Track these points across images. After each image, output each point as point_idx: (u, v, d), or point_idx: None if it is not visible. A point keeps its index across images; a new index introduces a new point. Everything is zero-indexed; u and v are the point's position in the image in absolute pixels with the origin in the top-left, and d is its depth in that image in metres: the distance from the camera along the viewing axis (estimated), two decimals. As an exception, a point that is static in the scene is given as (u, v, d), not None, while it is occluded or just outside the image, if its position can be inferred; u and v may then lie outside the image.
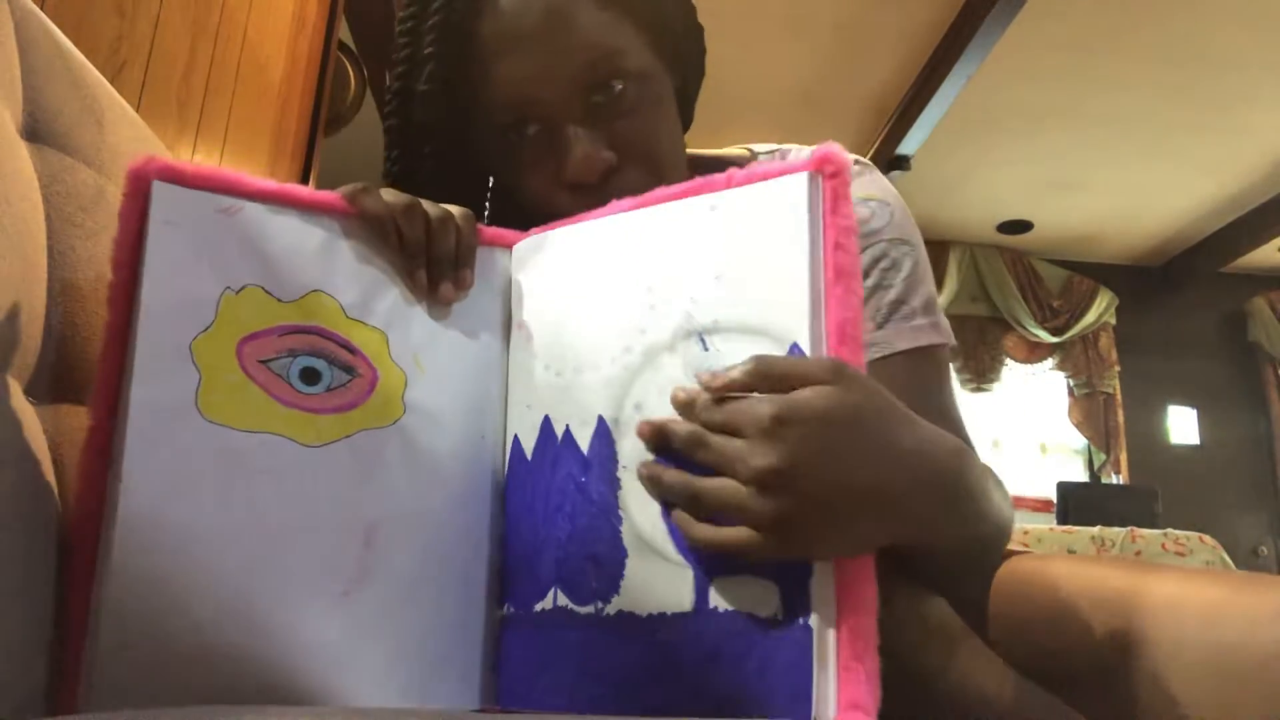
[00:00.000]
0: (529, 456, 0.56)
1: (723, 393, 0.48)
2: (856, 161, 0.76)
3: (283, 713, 0.42)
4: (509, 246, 0.63)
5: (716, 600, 0.46)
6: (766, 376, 0.47)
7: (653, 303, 0.54)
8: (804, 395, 0.45)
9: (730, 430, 0.47)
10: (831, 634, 0.43)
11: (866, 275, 0.70)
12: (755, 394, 0.47)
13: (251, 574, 0.49)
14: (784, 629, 0.44)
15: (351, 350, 0.55)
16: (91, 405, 0.50)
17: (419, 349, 0.57)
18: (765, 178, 0.52)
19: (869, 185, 0.74)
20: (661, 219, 0.56)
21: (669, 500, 0.49)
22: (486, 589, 0.55)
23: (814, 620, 0.43)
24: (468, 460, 0.57)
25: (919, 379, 0.69)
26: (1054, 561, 0.68)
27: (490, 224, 0.69)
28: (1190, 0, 2.94)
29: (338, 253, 0.57)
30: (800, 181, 0.51)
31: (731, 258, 0.52)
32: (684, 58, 0.73)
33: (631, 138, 0.67)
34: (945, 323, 0.73)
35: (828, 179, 0.51)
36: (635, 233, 0.57)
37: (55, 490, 0.50)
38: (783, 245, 0.50)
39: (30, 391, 0.50)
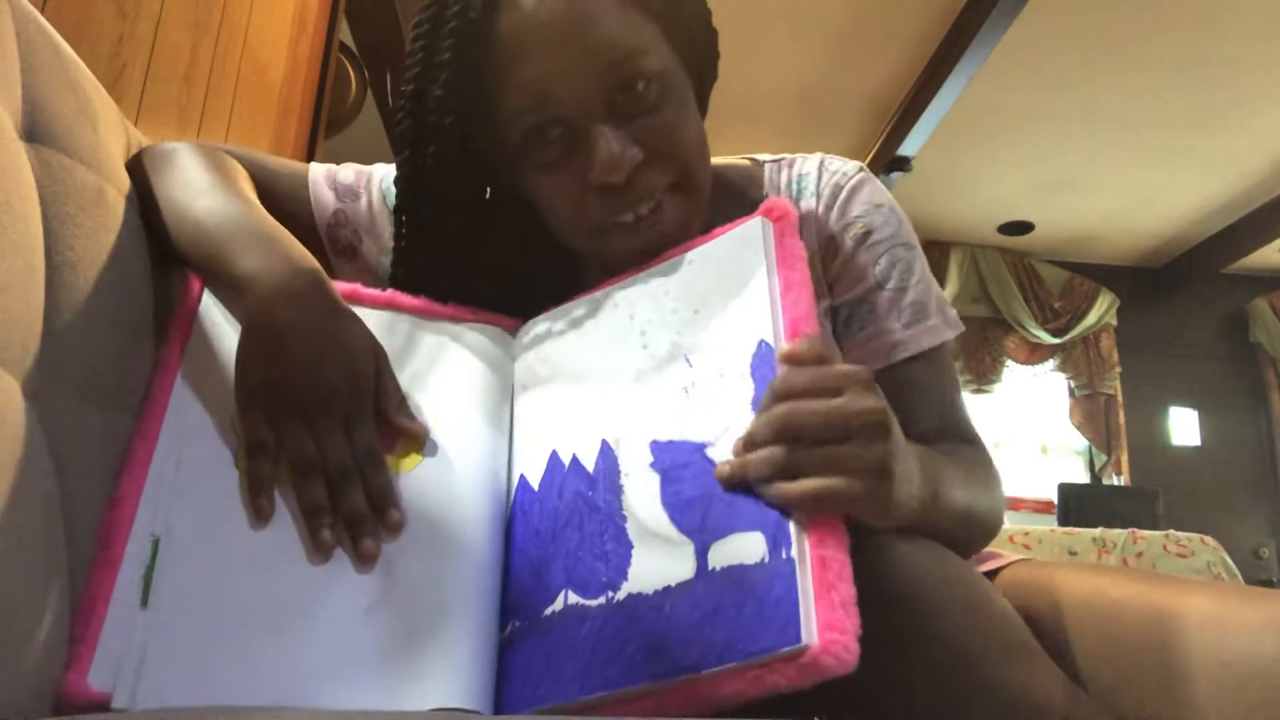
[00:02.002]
0: (536, 488, 0.62)
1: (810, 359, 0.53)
2: (859, 169, 0.80)
3: (281, 713, 0.43)
4: (513, 330, 0.73)
5: (714, 561, 0.50)
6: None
7: (645, 343, 0.63)
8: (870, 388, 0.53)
9: (825, 392, 0.51)
10: (809, 566, 0.46)
11: (887, 279, 0.76)
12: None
13: (283, 595, 0.53)
14: (771, 568, 0.48)
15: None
16: (132, 447, 0.56)
17: (435, 408, 0.64)
18: (728, 229, 0.65)
19: (875, 193, 0.79)
20: (649, 278, 0.66)
21: (759, 477, 0.51)
22: (495, 613, 0.58)
23: (794, 552, 0.47)
24: (479, 498, 0.61)
25: (936, 376, 0.76)
26: (1098, 573, 0.69)
27: (498, 243, 0.75)
28: (1192, 2, 2.94)
29: None
30: (755, 226, 0.63)
31: (707, 293, 0.62)
32: (700, 59, 0.74)
33: (657, 135, 0.67)
34: (952, 312, 0.78)
35: (775, 221, 0.63)
36: (626, 294, 0.66)
37: (56, 491, 0.50)
38: (746, 273, 0.61)
39: (28, 391, 0.50)
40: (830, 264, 0.77)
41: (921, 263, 0.78)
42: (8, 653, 0.43)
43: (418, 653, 0.53)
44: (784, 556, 0.47)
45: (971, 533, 0.67)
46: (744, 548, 0.49)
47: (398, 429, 0.62)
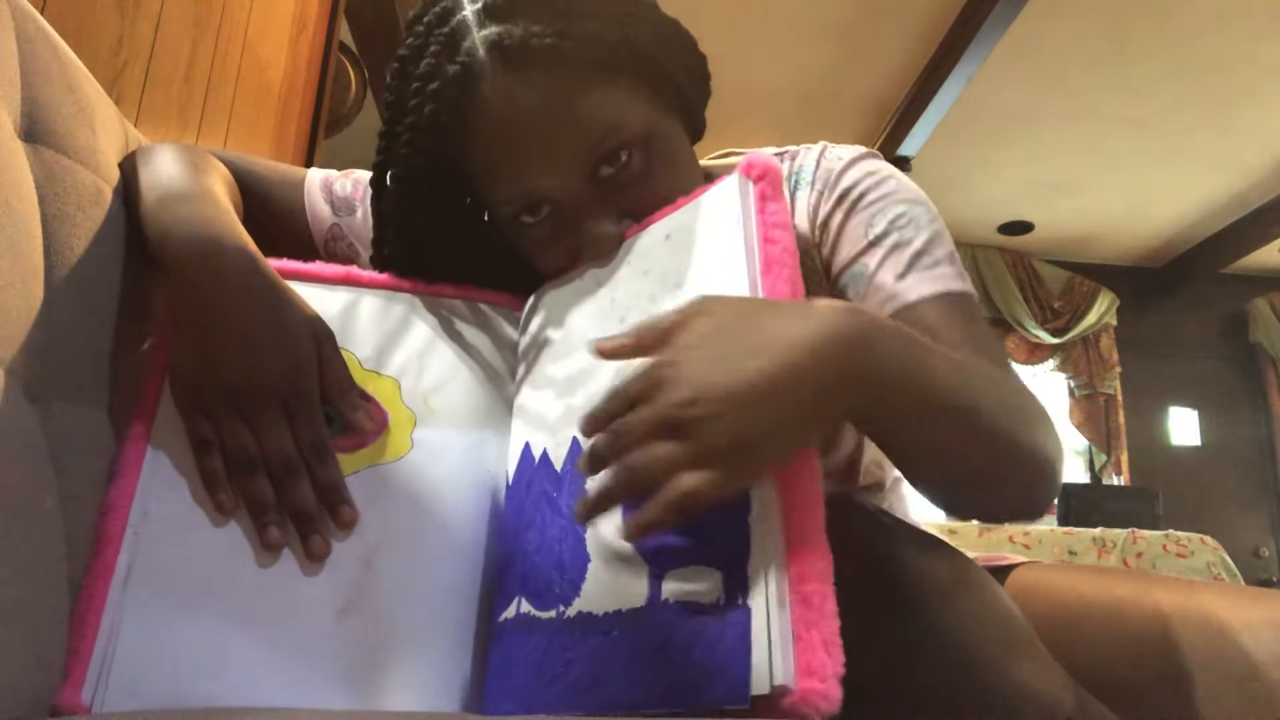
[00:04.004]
0: (511, 482, 0.60)
1: (613, 351, 0.51)
2: (861, 151, 0.73)
3: (282, 714, 0.42)
4: (519, 307, 0.70)
5: (668, 592, 0.47)
6: (648, 334, 0.50)
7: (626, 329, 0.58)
8: (674, 335, 0.49)
9: (636, 403, 0.47)
10: (775, 610, 0.43)
11: (883, 235, 0.66)
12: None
13: (257, 591, 0.52)
14: (725, 613, 0.44)
15: (365, 397, 0.61)
16: (122, 453, 0.55)
17: (429, 392, 0.63)
18: (706, 189, 0.59)
19: (872, 165, 0.71)
20: (629, 254, 0.63)
21: (615, 499, 0.46)
22: (481, 606, 0.57)
23: (753, 600, 0.43)
24: (470, 490, 0.60)
25: (949, 319, 0.63)
26: (1099, 574, 0.67)
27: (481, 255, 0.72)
28: (1192, 2, 2.94)
29: (357, 314, 0.65)
30: (731, 186, 0.58)
31: (686, 271, 0.58)
32: (686, 91, 0.70)
33: (646, 201, 0.65)
34: (967, 278, 0.68)
35: (755, 181, 0.57)
36: (612, 272, 0.63)
37: (56, 494, 0.50)
38: (723, 247, 0.56)
39: (28, 391, 0.50)
40: (824, 248, 0.70)
41: (929, 217, 0.68)
42: (7, 655, 0.43)
43: (395, 654, 0.53)
44: (739, 603, 0.44)
45: (995, 453, 0.54)
46: (698, 584, 0.46)
47: (383, 415, 0.60)
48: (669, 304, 0.57)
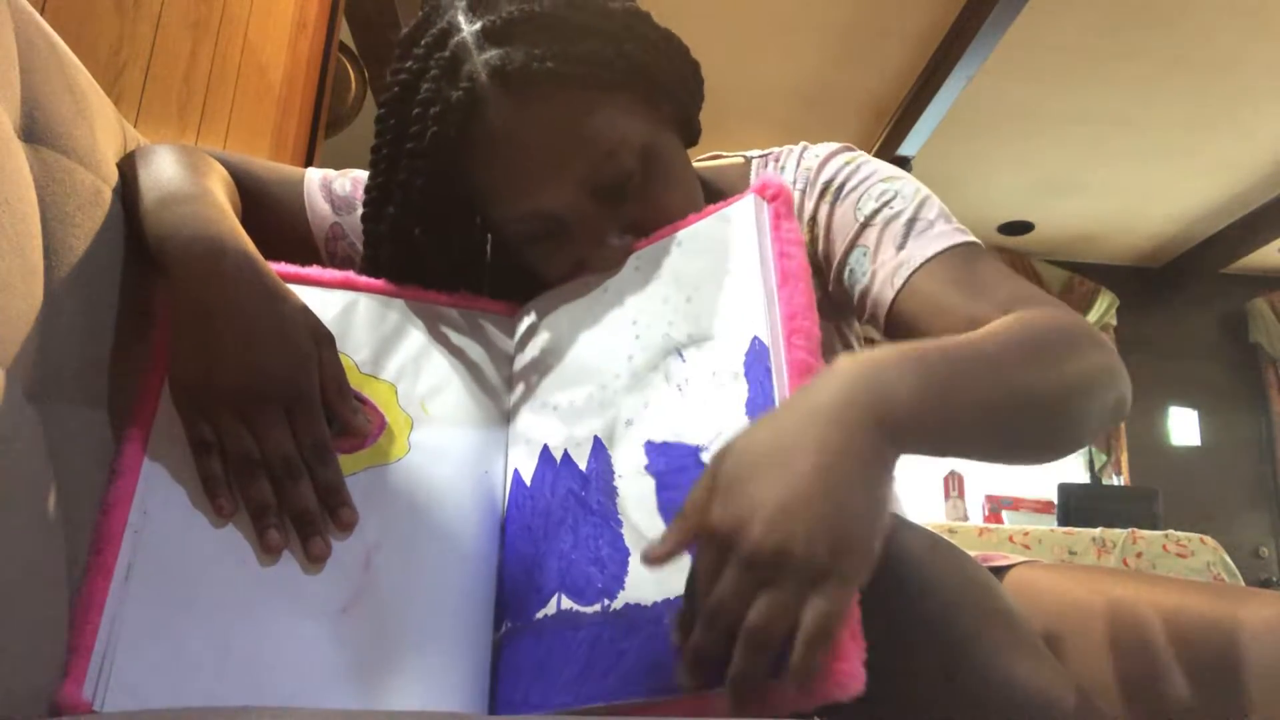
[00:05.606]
0: (528, 484, 0.61)
1: (668, 554, 0.46)
2: (837, 146, 0.77)
3: (282, 714, 0.43)
4: (512, 315, 0.71)
5: None
6: (686, 516, 0.46)
7: (637, 333, 0.61)
8: (710, 500, 0.44)
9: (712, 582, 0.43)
10: None
11: (877, 213, 0.68)
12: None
13: (256, 590, 0.53)
14: None
15: (362, 400, 0.61)
16: (122, 452, 0.55)
17: (426, 396, 0.64)
18: (719, 208, 0.62)
19: (848, 156, 0.75)
20: (639, 262, 0.64)
21: (758, 674, 0.42)
22: (486, 609, 0.57)
23: None
24: (470, 492, 0.61)
25: (962, 270, 0.64)
26: (1098, 574, 0.67)
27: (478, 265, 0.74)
28: (1192, 2, 2.94)
29: (354, 318, 0.65)
30: (747, 205, 0.60)
31: (698, 279, 0.60)
32: (682, 101, 0.71)
33: (647, 214, 0.66)
34: (970, 232, 0.69)
35: (770, 201, 0.60)
36: (620, 280, 0.65)
37: (55, 493, 0.50)
38: (738, 259, 0.59)
39: (28, 391, 0.50)
40: (818, 244, 0.73)
41: (913, 188, 0.70)
42: (7, 654, 0.43)
43: (396, 653, 0.53)
44: None
45: (1041, 416, 0.55)
46: None
47: (380, 419, 0.60)
48: (681, 308, 0.59)
